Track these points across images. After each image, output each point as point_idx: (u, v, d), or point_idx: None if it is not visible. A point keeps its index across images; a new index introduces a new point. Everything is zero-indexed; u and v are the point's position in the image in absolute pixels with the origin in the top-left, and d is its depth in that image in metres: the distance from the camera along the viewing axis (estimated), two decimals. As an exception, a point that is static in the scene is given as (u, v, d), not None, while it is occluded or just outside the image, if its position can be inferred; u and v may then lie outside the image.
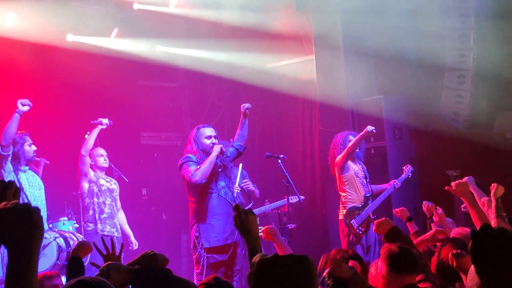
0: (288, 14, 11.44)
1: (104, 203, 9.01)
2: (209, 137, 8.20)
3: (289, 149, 11.43)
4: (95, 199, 8.98)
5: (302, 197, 9.25)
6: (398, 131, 10.13)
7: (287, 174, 8.76)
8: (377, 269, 4.47)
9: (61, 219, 8.97)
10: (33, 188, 8.03)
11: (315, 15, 10.82)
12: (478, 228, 1.88)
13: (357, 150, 9.06)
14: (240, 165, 9.20)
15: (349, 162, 9.01)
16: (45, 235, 7.69)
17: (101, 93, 11.62)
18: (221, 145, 8.14)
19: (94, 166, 9.09)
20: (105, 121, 8.78)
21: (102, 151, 9.18)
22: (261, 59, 12.00)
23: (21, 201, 2.27)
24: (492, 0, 9.77)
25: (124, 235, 9.13)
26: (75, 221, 9.40)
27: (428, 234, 4.96)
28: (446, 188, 5.83)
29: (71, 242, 8.01)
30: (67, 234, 8.24)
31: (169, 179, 12.07)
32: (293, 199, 9.20)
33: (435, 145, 10.70)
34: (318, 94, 10.86)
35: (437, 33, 10.01)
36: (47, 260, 7.67)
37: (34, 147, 8.22)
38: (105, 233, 8.63)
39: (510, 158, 10.26)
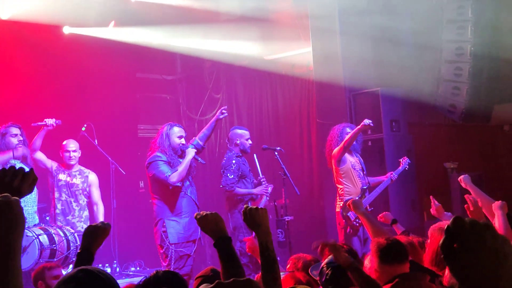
0: (285, 5, 11.42)
1: (58, 199, 8.92)
2: (180, 137, 8.45)
3: (286, 142, 11.44)
4: (51, 195, 8.96)
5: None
6: (395, 123, 10.12)
7: (283, 167, 8.78)
8: (371, 261, 4.49)
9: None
10: None
11: (312, 6, 10.80)
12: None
13: (354, 143, 9.06)
14: (255, 155, 9.21)
15: (346, 155, 9.00)
16: (28, 232, 7.52)
17: (98, 86, 11.62)
18: (195, 150, 8.43)
19: (63, 161, 9.13)
20: (50, 121, 8.61)
21: (71, 146, 9.12)
22: (258, 51, 12.00)
23: None
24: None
25: None
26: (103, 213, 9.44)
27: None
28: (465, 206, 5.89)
29: (56, 238, 7.85)
30: (52, 230, 8.03)
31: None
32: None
33: (432, 138, 10.71)
34: (315, 85, 10.85)
35: (435, 26, 9.99)
36: (29, 258, 7.56)
37: (20, 138, 8.08)
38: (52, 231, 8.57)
39: (507, 151, 10.28)
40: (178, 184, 8.23)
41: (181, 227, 8.24)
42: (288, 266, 5.05)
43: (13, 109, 10.07)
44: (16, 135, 8.00)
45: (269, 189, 9.07)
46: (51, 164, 8.92)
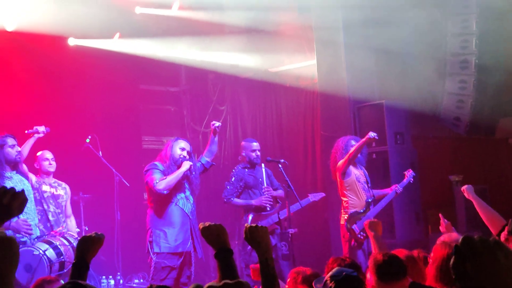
0: (290, 18, 11.43)
1: (48, 210, 8.68)
2: (182, 149, 8.42)
3: (290, 154, 11.43)
4: (38, 207, 8.57)
5: (309, 198, 9.32)
6: (399, 136, 10.10)
7: (287, 179, 8.74)
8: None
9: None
10: None
11: (316, 18, 10.81)
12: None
13: (359, 155, 9.05)
14: (263, 165, 9.19)
15: (351, 167, 8.99)
16: (35, 250, 7.32)
17: (103, 97, 11.63)
18: (191, 163, 8.36)
19: (40, 171, 8.81)
20: (41, 129, 8.45)
21: (48, 154, 8.87)
22: (263, 63, 12.01)
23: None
24: (494, 1, 9.75)
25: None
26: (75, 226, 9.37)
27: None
28: None
29: (62, 249, 7.63)
30: (56, 242, 7.72)
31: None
32: (316, 197, 9.41)
33: (436, 151, 10.69)
34: (320, 97, 10.85)
35: (439, 38, 10.00)
36: (39, 276, 7.34)
37: (18, 148, 7.82)
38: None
39: (512, 164, 10.26)
40: (165, 192, 8.15)
41: (167, 238, 8.17)
42: (288, 280, 5.03)
43: (17, 120, 10.05)
44: (14, 145, 7.77)
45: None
46: (31, 176, 8.71)
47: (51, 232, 8.00)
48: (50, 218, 8.68)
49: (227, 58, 12.16)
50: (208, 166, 8.78)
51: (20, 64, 10.89)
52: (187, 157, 8.39)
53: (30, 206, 7.67)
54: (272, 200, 9.14)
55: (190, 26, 11.78)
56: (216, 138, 8.80)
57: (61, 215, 8.89)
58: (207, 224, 3.60)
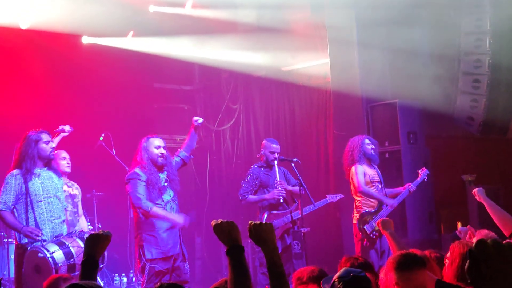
0: (303, 16, 11.43)
1: (65, 209, 8.82)
2: (157, 147, 8.24)
3: (303, 152, 11.44)
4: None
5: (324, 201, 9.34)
6: (412, 135, 10.09)
7: (300, 178, 8.75)
8: (387, 275, 4.45)
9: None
10: (48, 193, 7.45)
11: (329, 17, 10.81)
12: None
13: (372, 153, 9.07)
14: (275, 162, 9.17)
15: (365, 167, 9.00)
16: (40, 253, 7.11)
17: (116, 96, 11.68)
18: (184, 217, 8.20)
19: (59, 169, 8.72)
20: (67, 128, 8.50)
21: (64, 154, 8.95)
22: (276, 62, 12.01)
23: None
24: (507, 0, 9.72)
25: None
26: (89, 223, 9.40)
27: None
28: None
29: (74, 251, 7.33)
30: (70, 243, 7.43)
31: (183, 181, 12.07)
32: (334, 198, 9.39)
33: (449, 150, 10.67)
34: (333, 96, 10.85)
35: (453, 37, 9.98)
36: (43, 277, 7.15)
37: (52, 145, 7.65)
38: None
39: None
40: (155, 200, 8.07)
41: (158, 243, 8.06)
42: (294, 280, 5.01)
43: (30, 117, 10.10)
44: (48, 141, 7.58)
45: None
46: None
47: (71, 232, 7.89)
48: (68, 218, 8.74)
49: (240, 57, 12.17)
50: (187, 160, 8.66)
51: (33, 63, 10.94)
52: (165, 153, 8.24)
53: (58, 204, 7.55)
54: (285, 192, 9.10)
55: (203, 25, 11.80)
56: (196, 135, 8.64)
57: (76, 214, 8.98)
58: (219, 221, 3.60)
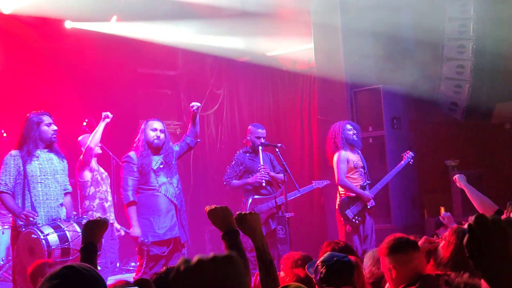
0: (288, 1, 11.40)
1: (106, 191, 9.05)
2: (154, 130, 8.33)
3: (287, 138, 11.45)
4: (100, 188, 8.97)
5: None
6: (396, 121, 10.11)
7: (284, 163, 8.74)
8: (373, 261, 4.46)
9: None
10: (45, 175, 7.41)
11: (314, 2, 10.79)
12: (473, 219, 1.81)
13: (354, 138, 9.06)
14: (260, 148, 9.15)
15: (348, 153, 8.99)
16: (33, 234, 7.04)
17: (99, 81, 11.62)
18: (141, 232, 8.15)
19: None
20: (110, 115, 8.65)
21: None
22: (260, 47, 11.99)
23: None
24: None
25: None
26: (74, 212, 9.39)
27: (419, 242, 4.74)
28: None
29: (69, 235, 7.22)
30: (66, 227, 7.31)
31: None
32: (320, 184, 9.41)
33: (433, 135, 10.70)
34: (317, 82, 10.85)
35: (437, 23, 9.98)
36: (36, 259, 7.11)
37: (54, 127, 7.58)
38: (111, 221, 8.58)
39: (508, 149, 10.26)
40: (150, 183, 8.21)
41: (153, 227, 8.11)
42: (282, 266, 5.05)
43: (12, 102, 10.07)
44: (50, 124, 7.53)
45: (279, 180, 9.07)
46: (93, 159, 8.96)
47: (69, 216, 7.82)
48: (109, 198, 9.09)
49: (224, 42, 12.13)
50: (193, 144, 8.72)
51: (15, 48, 10.86)
52: (161, 136, 8.32)
53: (56, 186, 7.50)
54: (268, 176, 9.10)
55: (188, 10, 11.74)
56: (197, 118, 8.69)
57: (109, 195, 9.22)
58: (213, 207, 3.69)
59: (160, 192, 8.22)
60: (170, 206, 8.28)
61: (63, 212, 7.58)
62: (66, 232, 7.21)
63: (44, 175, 7.40)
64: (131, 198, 8.11)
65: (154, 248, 8.09)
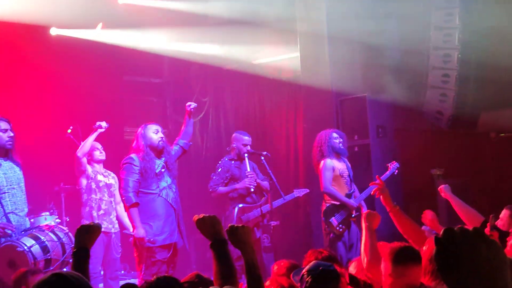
0: (274, 9, 11.39)
1: (101, 199, 8.90)
2: (156, 132, 8.34)
3: (272, 146, 11.43)
4: (93, 196, 8.86)
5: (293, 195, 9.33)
6: (381, 129, 10.13)
7: (270, 171, 8.73)
8: (359, 267, 4.44)
9: (43, 214, 8.76)
10: (11, 184, 7.24)
11: (300, 11, 10.81)
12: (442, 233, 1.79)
13: (340, 147, 9.05)
14: (246, 155, 9.12)
15: (334, 161, 8.99)
16: (18, 246, 6.95)
17: (85, 88, 11.56)
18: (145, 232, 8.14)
19: (91, 161, 9.00)
20: (104, 124, 8.60)
21: (97, 144, 9.04)
22: (246, 55, 11.99)
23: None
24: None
25: (125, 228, 9.03)
26: (56, 216, 9.31)
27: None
28: None
29: (49, 245, 7.22)
30: (44, 237, 7.30)
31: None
32: (300, 193, 9.36)
33: (418, 144, 10.71)
34: (303, 90, 10.85)
35: (422, 32, 10.01)
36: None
37: (10, 133, 7.31)
38: (102, 229, 8.52)
39: (493, 158, 10.29)
40: (151, 187, 8.19)
41: (154, 231, 8.09)
42: (272, 274, 5.02)
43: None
44: (6, 130, 7.25)
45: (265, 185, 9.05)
46: (88, 167, 8.86)
47: (41, 226, 7.72)
48: (103, 206, 8.89)
49: (210, 50, 12.13)
50: (186, 147, 8.70)
51: (0, 54, 10.80)
52: (164, 138, 8.34)
53: (21, 196, 7.35)
54: (255, 182, 9.07)
55: (174, 17, 11.73)
56: (191, 120, 8.67)
57: (112, 204, 9.04)
58: (201, 215, 3.68)
59: (161, 196, 8.20)
60: (170, 210, 8.27)
61: (28, 222, 7.48)
62: (46, 242, 7.14)
63: (10, 185, 7.23)
64: (134, 200, 8.07)
65: (155, 254, 8.07)
